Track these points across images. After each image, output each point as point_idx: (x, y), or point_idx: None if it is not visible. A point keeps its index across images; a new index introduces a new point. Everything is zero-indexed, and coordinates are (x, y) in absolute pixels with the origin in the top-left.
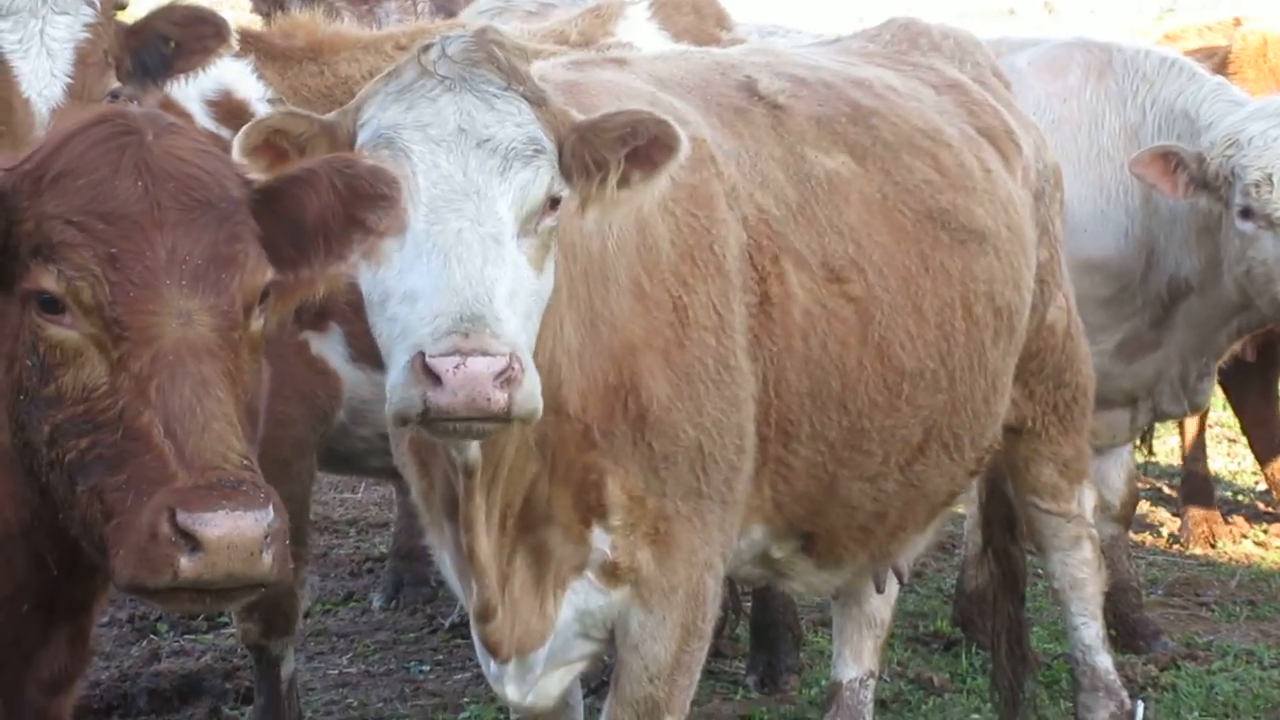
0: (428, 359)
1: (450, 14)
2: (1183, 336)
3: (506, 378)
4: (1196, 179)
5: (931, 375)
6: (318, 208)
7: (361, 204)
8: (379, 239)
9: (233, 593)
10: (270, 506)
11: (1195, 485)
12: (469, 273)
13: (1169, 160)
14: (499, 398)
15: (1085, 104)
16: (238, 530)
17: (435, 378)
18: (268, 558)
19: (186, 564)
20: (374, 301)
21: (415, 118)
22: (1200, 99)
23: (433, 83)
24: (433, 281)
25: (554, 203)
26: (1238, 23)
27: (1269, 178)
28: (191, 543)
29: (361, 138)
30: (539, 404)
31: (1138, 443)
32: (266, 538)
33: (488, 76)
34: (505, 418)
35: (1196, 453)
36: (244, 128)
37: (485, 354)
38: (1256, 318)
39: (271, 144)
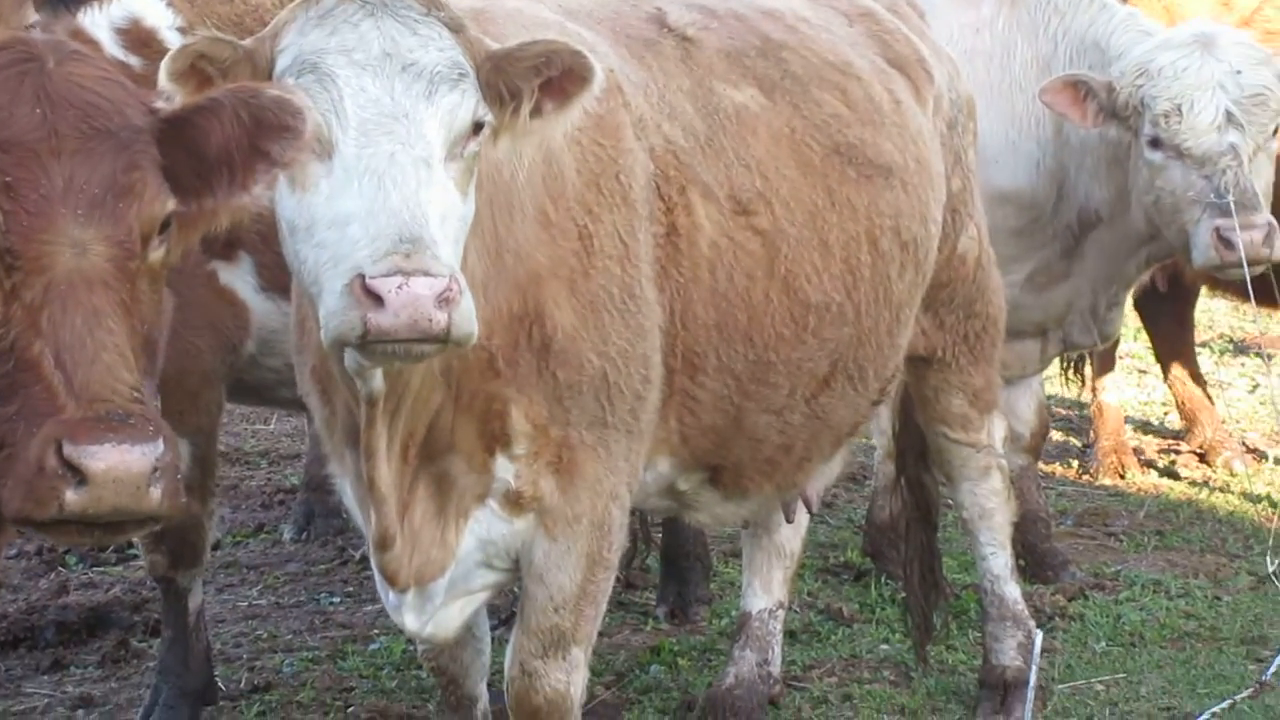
0: (369, 280)
1: None
2: (1093, 267)
3: (446, 298)
4: (1106, 108)
5: (837, 308)
6: (221, 137)
7: (266, 134)
8: (284, 169)
9: (121, 526)
10: (160, 440)
11: (1104, 413)
12: (405, 195)
13: (1078, 89)
14: (440, 318)
15: (998, 35)
16: (124, 464)
17: (377, 299)
18: (156, 492)
19: (72, 497)
20: (299, 228)
21: (339, 42)
22: (1111, 28)
23: (353, 8)
24: (367, 204)
25: (478, 127)
26: None
27: (1178, 108)
28: (77, 476)
29: (281, 64)
30: (475, 327)
31: (1071, 374)
32: (155, 471)
33: (408, 2)
34: (444, 339)
35: (1108, 383)
36: (170, 52)
37: (427, 274)
38: (1165, 248)
39: (197, 69)
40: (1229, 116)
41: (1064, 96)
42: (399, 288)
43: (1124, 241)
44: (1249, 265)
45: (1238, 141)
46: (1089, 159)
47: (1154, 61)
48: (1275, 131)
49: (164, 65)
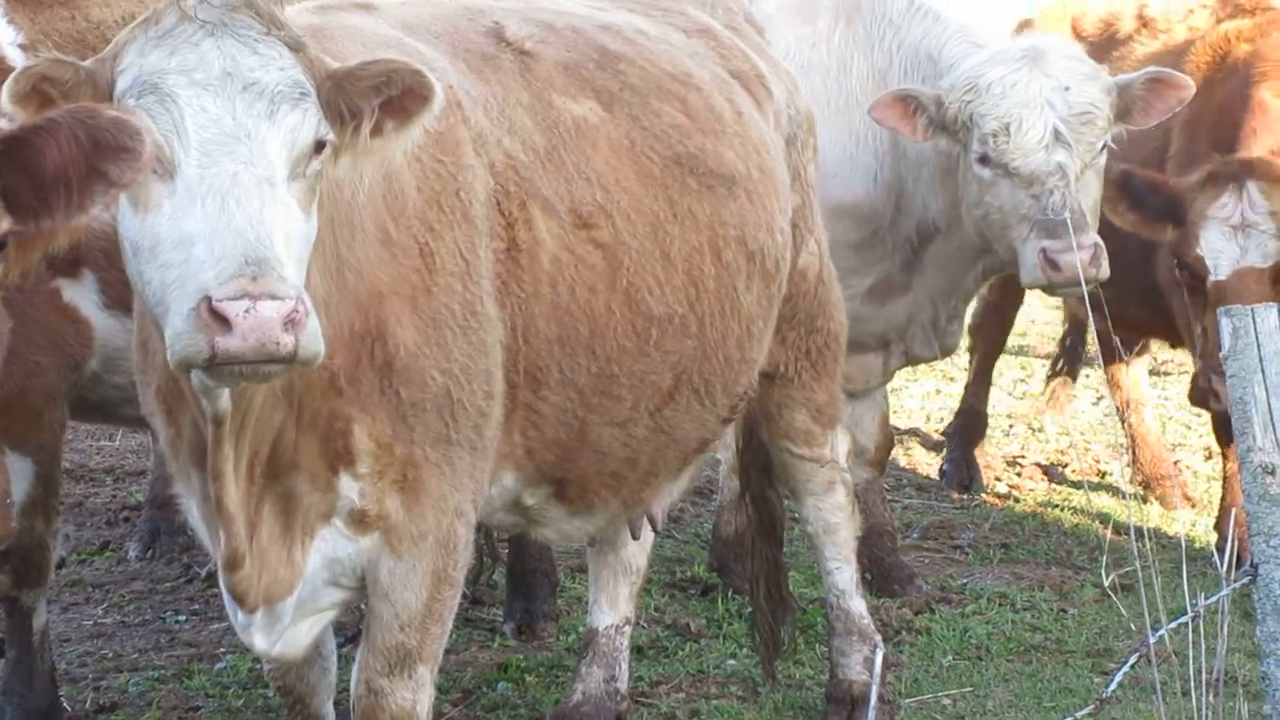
0: (215, 303)
1: None
2: (932, 279)
3: (292, 320)
4: (935, 122)
5: (680, 320)
6: (58, 158)
7: (104, 155)
8: (122, 190)
9: None
10: None
11: (970, 421)
12: (249, 215)
13: (908, 103)
14: (287, 341)
15: (834, 49)
16: None
17: (224, 321)
18: None
19: None
20: (142, 248)
21: (179, 63)
22: (944, 40)
23: (194, 28)
24: (210, 225)
25: (320, 146)
26: None
27: (1006, 127)
28: None
29: (121, 84)
30: (321, 346)
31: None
32: None
33: (247, 21)
34: (291, 360)
35: (979, 390)
36: (12, 74)
37: (274, 297)
38: (1000, 261)
39: (39, 91)
40: (1057, 135)
41: (893, 111)
42: (246, 311)
43: (961, 254)
44: (1074, 286)
45: (1065, 161)
46: (925, 171)
47: (983, 77)
48: (1103, 149)
49: (6, 88)
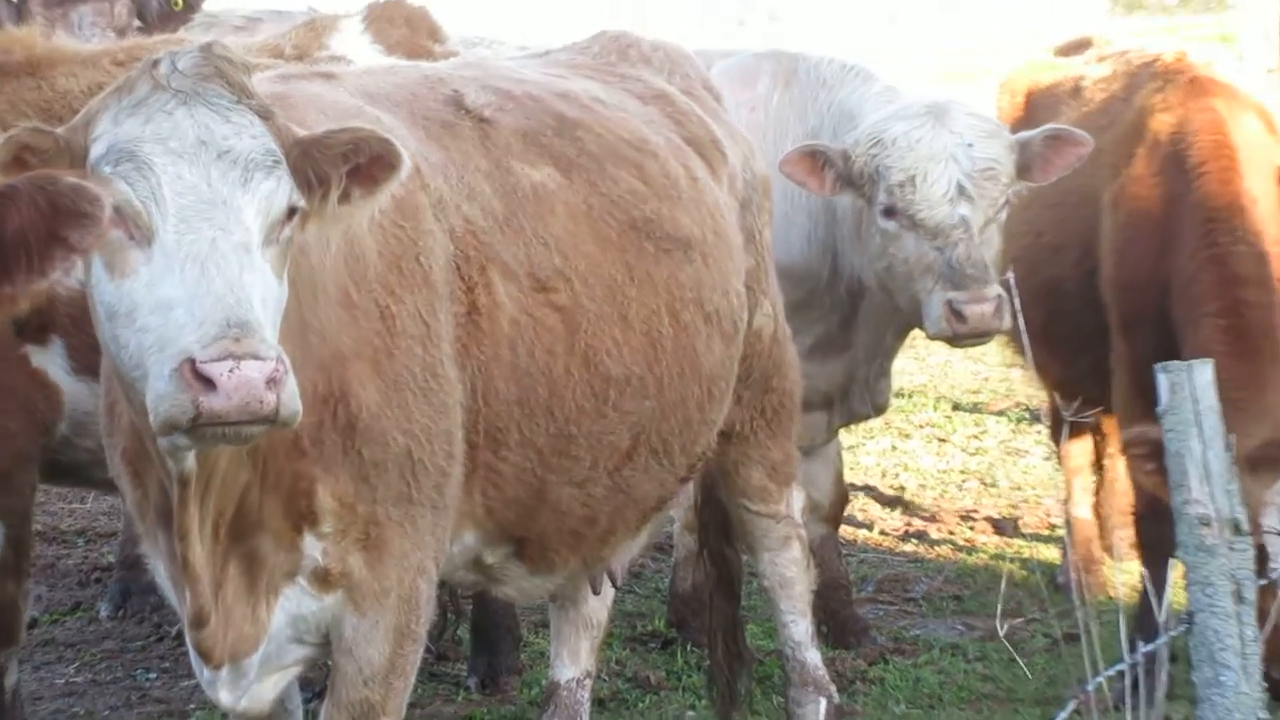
0: (199, 365)
1: (143, 19)
2: (866, 337)
3: (274, 379)
4: (843, 176)
5: (639, 382)
6: (18, 224)
7: (64, 221)
8: (82, 255)
9: None
10: None
11: None
12: (228, 279)
13: (815, 158)
14: (270, 399)
15: (772, 112)
16: None
17: (208, 383)
18: None
19: None
20: (119, 313)
21: (154, 131)
22: (864, 99)
23: (167, 96)
24: (190, 290)
25: (291, 212)
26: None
27: (911, 179)
28: None
29: (96, 152)
30: (299, 406)
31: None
32: None
33: (219, 91)
34: (274, 419)
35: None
36: (5, 138)
37: (257, 357)
38: (911, 320)
39: (20, 159)
40: (960, 189)
41: (801, 167)
42: (230, 371)
43: (883, 310)
44: (979, 337)
45: (969, 214)
46: (847, 228)
47: (888, 131)
48: (1005, 204)
49: None
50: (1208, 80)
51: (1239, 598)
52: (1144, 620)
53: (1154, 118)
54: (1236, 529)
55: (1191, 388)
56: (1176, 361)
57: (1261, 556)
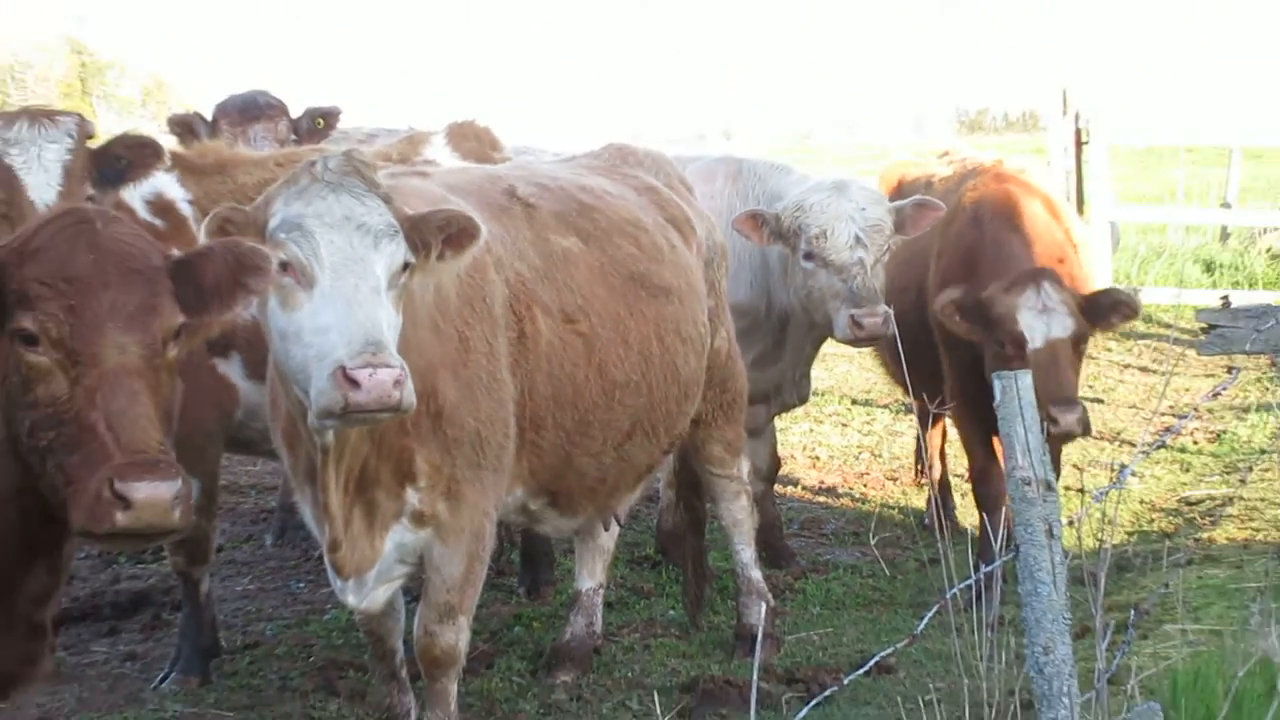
0: (349, 370)
1: (296, 134)
2: (791, 352)
3: (398, 381)
4: (775, 231)
5: (635, 385)
6: (213, 274)
7: (245, 272)
8: (256, 296)
9: (153, 537)
10: (178, 478)
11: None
12: (368, 313)
13: (757, 219)
14: (395, 395)
15: (725, 199)
16: (155, 494)
17: (354, 383)
18: (176, 513)
19: (121, 516)
20: (289, 335)
21: (313, 210)
22: (788, 184)
23: (321, 186)
24: (340, 319)
25: (405, 267)
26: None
27: (825, 232)
28: (124, 503)
29: (273, 224)
30: (414, 399)
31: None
32: (175, 499)
33: (356, 183)
34: (398, 409)
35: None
36: (209, 216)
37: (388, 366)
38: (824, 331)
39: (222, 228)
40: (858, 239)
41: (747, 225)
42: (370, 374)
43: (804, 329)
44: (873, 340)
45: (864, 256)
46: (777, 274)
47: (807, 200)
48: (887, 249)
49: (204, 226)
50: (1006, 173)
51: (1050, 534)
52: (984, 549)
53: (965, 196)
54: (1048, 487)
55: (1017, 389)
56: (1006, 371)
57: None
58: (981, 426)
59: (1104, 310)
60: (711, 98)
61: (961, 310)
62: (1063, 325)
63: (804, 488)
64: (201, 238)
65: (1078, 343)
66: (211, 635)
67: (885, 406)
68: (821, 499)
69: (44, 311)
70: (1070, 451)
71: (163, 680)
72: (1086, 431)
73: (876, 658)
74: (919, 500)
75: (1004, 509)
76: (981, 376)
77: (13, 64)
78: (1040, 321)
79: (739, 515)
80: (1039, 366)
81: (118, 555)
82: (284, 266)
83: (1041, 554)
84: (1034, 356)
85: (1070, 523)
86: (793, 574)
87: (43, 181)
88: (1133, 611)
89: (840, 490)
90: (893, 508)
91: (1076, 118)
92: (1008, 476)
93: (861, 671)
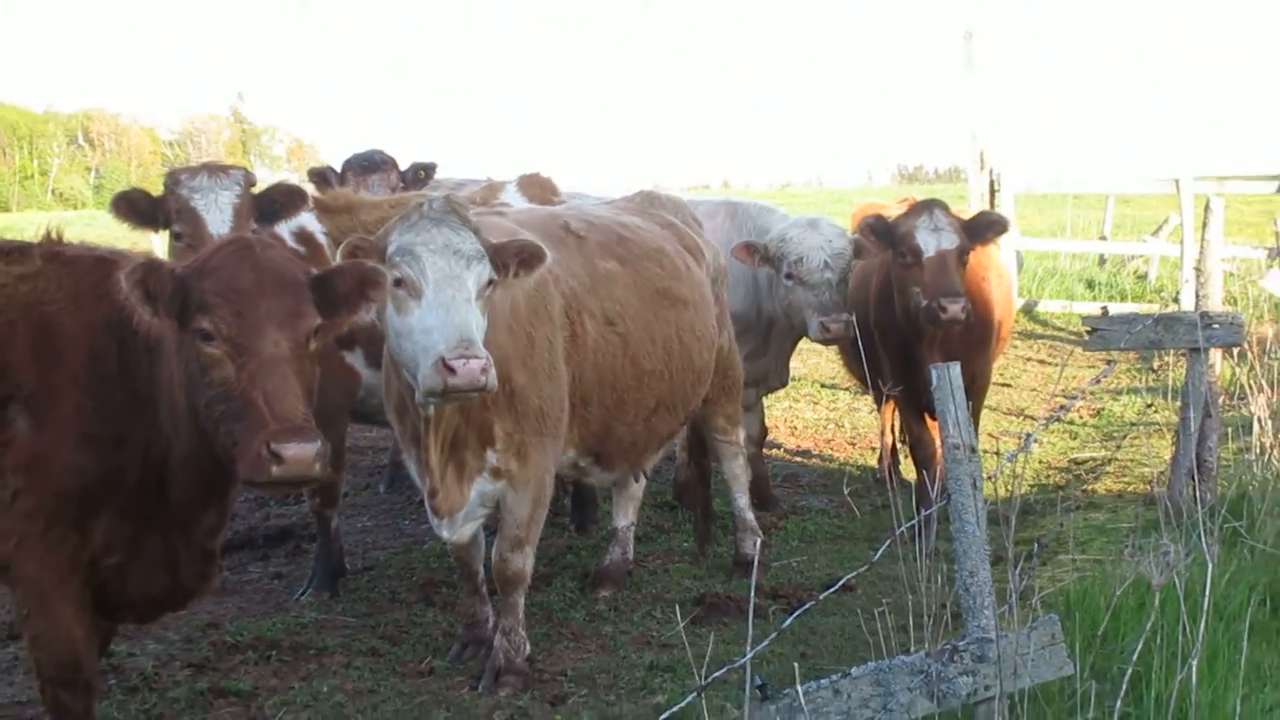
0: (447, 360)
1: (404, 183)
2: (775, 346)
3: (485, 369)
4: (763, 257)
5: (660, 372)
6: (343, 286)
7: (365, 286)
8: (375, 304)
9: (299, 485)
10: (319, 440)
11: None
12: (462, 317)
13: (750, 248)
14: (482, 379)
15: (725, 232)
16: (302, 452)
17: (452, 370)
18: (317, 467)
19: (276, 470)
20: (402, 332)
21: (422, 239)
22: (773, 221)
23: (427, 221)
24: (441, 322)
25: (490, 283)
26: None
27: (801, 258)
28: (277, 459)
29: (390, 250)
30: (496, 383)
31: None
32: (316, 456)
33: (454, 219)
34: (484, 390)
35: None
36: (342, 245)
37: (477, 358)
38: (798, 330)
39: (353, 253)
40: (826, 264)
41: (743, 252)
42: (464, 364)
43: (784, 331)
44: (838, 339)
45: (831, 276)
46: (765, 289)
47: (787, 233)
48: (848, 271)
49: (341, 249)
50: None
51: (974, 486)
52: (922, 497)
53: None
54: (972, 450)
55: (949, 376)
56: (941, 363)
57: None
58: (914, 404)
59: (982, 229)
60: (712, 156)
61: (874, 232)
62: (950, 240)
63: (785, 450)
64: (335, 260)
65: (961, 254)
66: (339, 560)
67: (846, 389)
68: (798, 459)
69: (217, 315)
70: (986, 424)
71: (302, 594)
72: (969, 318)
73: (843, 580)
74: (872, 460)
75: (935, 466)
76: (911, 366)
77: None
78: (933, 237)
79: (737, 471)
80: (931, 270)
81: (269, 499)
82: (399, 282)
83: (968, 501)
84: (927, 263)
85: (989, 478)
86: (777, 515)
87: (218, 219)
88: (1035, 545)
89: (813, 452)
90: (853, 465)
91: (990, 172)
92: (945, 443)
93: (831, 590)
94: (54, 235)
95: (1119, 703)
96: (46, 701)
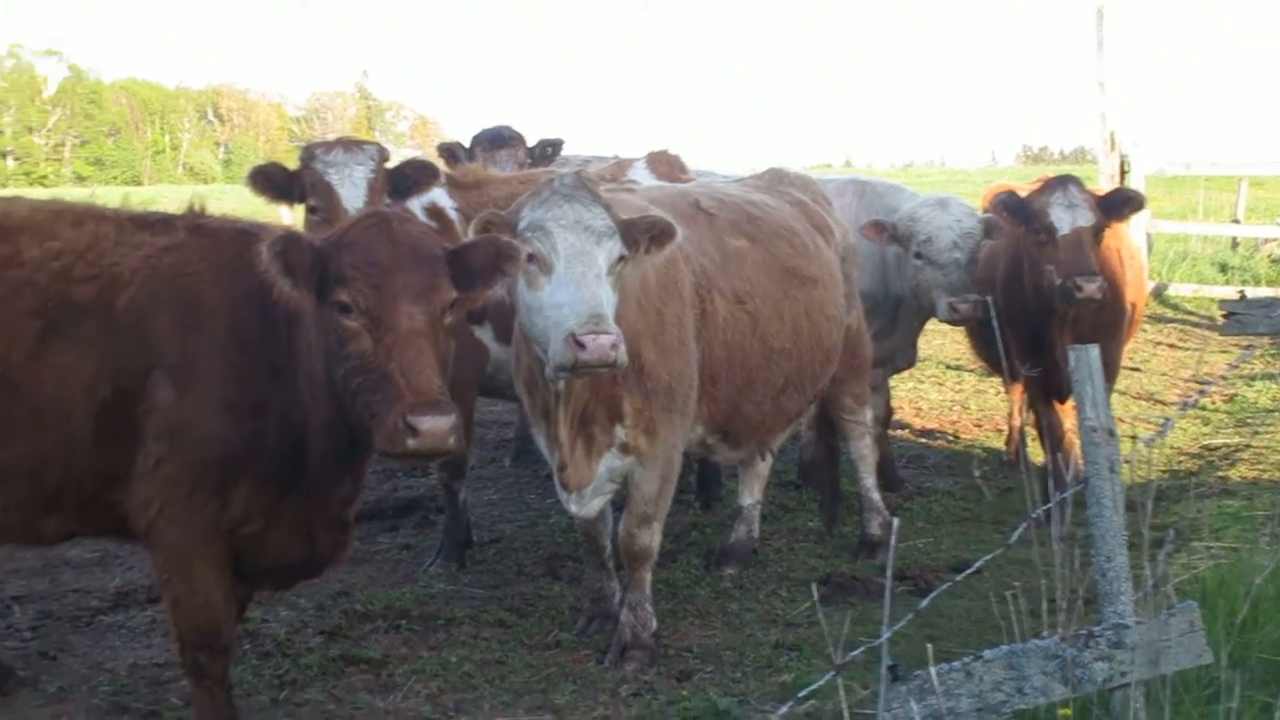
0: (578, 335)
1: (530, 159)
2: (902, 327)
3: (615, 344)
4: (892, 236)
5: (789, 351)
6: (478, 261)
7: (500, 260)
8: (509, 278)
9: (433, 457)
10: (454, 413)
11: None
12: (593, 293)
13: (878, 227)
14: (612, 354)
15: (853, 211)
16: (437, 425)
17: (581, 345)
18: (452, 439)
19: (411, 442)
20: (533, 309)
21: (553, 216)
22: (901, 200)
23: (559, 198)
24: (572, 297)
25: (621, 259)
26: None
27: (930, 238)
28: (413, 432)
29: (521, 225)
30: (626, 359)
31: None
32: (451, 429)
33: (585, 195)
34: (613, 365)
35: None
36: (475, 219)
37: (607, 334)
38: (926, 311)
39: (485, 228)
40: (955, 244)
41: (871, 230)
42: (594, 338)
43: (912, 311)
44: (965, 321)
45: (960, 257)
46: (893, 268)
47: (917, 212)
48: (976, 251)
49: (471, 225)
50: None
51: (1111, 470)
52: (1058, 480)
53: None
54: (1110, 433)
55: (1089, 358)
56: (1080, 345)
57: None
58: (1043, 387)
59: (1118, 205)
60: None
61: (1007, 208)
62: (1085, 217)
63: (910, 431)
64: (469, 235)
65: (1097, 232)
66: (466, 532)
67: (971, 370)
68: (923, 440)
69: (355, 288)
70: (1115, 408)
71: (430, 565)
72: (1104, 298)
73: (979, 563)
74: (998, 443)
75: (1066, 449)
76: (1040, 348)
77: (317, 107)
78: (1068, 214)
79: (864, 451)
80: (1066, 248)
81: (396, 472)
82: (530, 257)
83: (1105, 485)
84: (1062, 241)
85: (1125, 462)
86: (902, 496)
87: (352, 194)
88: (1172, 532)
89: (938, 434)
90: (979, 448)
91: (1121, 153)
92: (1081, 425)
93: (969, 572)
94: (197, 208)
95: (1260, 693)
96: (185, 664)
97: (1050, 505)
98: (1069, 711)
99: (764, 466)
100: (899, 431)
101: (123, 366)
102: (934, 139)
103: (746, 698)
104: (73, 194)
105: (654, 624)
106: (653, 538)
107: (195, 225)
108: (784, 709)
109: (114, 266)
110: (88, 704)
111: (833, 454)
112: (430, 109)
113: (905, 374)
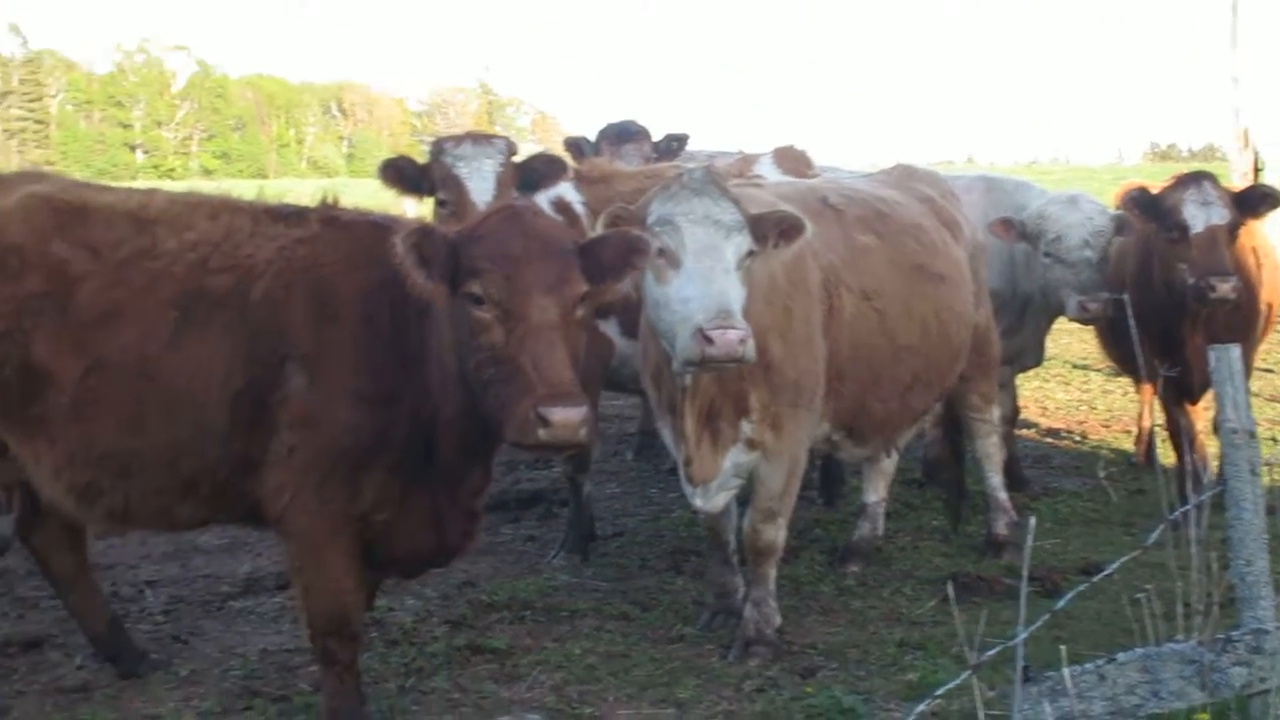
0: (705, 330)
1: (656, 153)
2: (1030, 325)
3: (743, 339)
4: (1021, 233)
5: (917, 348)
6: (609, 255)
7: (630, 254)
8: (637, 271)
9: (564, 448)
10: (585, 405)
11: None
12: (721, 288)
13: (1008, 224)
14: (740, 350)
15: (981, 208)
16: (568, 417)
17: (709, 340)
18: (582, 432)
19: (542, 433)
20: (661, 303)
21: (682, 210)
22: (1030, 197)
23: (687, 192)
24: (700, 292)
25: (750, 254)
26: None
27: (1060, 236)
28: (544, 423)
29: (650, 219)
30: (754, 354)
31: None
32: (582, 421)
33: (714, 190)
34: (741, 360)
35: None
36: (604, 213)
37: (735, 329)
38: (1054, 309)
39: (614, 222)
40: (1085, 242)
41: (1000, 227)
42: (722, 333)
43: (1041, 309)
44: (1096, 320)
45: (1090, 255)
46: (1022, 266)
47: (1046, 209)
48: (1107, 248)
49: (600, 219)
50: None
51: (1251, 473)
52: (1194, 482)
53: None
54: (1251, 435)
55: (1229, 359)
56: (1220, 345)
57: None
58: (1174, 388)
59: (1254, 202)
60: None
61: (1138, 205)
62: (1219, 214)
63: (1036, 431)
64: (598, 229)
65: (1232, 230)
66: (590, 525)
67: (1099, 370)
68: (1049, 440)
69: (488, 280)
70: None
71: (553, 557)
72: (1238, 298)
73: (1114, 565)
74: (1126, 444)
75: (1197, 451)
76: (1171, 348)
77: (439, 102)
78: (1201, 211)
79: (990, 449)
80: (1199, 246)
81: (519, 463)
82: (658, 251)
83: (1245, 488)
84: (1195, 239)
85: (1267, 464)
86: (1028, 496)
87: (481, 187)
88: None
89: (1063, 434)
90: (1106, 448)
91: (1255, 151)
92: (1220, 426)
93: (1104, 574)
94: (330, 201)
95: None
96: (315, 650)
97: (1188, 507)
98: (1206, 717)
99: (889, 464)
100: (1025, 431)
101: (257, 356)
102: (1058, 135)
103: (872, 695)
104: (202, 187)
105: (778, 620)
106: (777, 533)
107: (328, 218)
108: (920, 706)
109: (249, 258)
110: (219, 687)
111: (958, 452)
112: (550, 104)
113: (1031, 373)
